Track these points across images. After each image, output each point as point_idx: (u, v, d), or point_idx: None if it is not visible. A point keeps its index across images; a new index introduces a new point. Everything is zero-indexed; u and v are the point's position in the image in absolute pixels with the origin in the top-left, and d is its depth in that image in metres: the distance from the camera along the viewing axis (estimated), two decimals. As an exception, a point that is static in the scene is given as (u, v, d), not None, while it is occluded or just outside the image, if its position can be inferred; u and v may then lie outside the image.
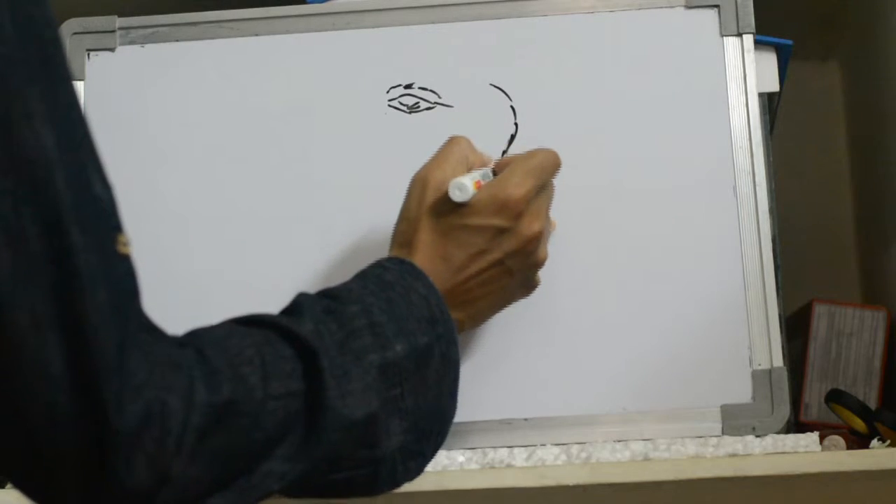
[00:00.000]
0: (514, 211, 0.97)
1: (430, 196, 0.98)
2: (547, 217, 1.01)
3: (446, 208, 0.97)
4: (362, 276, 0.92)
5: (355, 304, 0.86)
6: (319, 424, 0.79)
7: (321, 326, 0.83)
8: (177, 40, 1.16)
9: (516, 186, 0.98)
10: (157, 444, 0.70)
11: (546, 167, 1.01)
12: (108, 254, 0.70)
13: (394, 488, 0.88)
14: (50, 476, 0.69)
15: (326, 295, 0.88)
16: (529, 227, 0.98)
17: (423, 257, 0.96)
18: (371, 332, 0.85)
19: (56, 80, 0.70)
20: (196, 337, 0.77)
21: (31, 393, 0.67)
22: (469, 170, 1.00)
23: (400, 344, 0.86)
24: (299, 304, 0.85)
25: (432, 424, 0.89)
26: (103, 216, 0.71)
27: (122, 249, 0.71)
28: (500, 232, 0.97)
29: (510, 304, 1.03)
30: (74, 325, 0.67)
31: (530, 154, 1.01)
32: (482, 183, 0.99)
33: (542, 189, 1.00)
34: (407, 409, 0.86)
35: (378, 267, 0.93)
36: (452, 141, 1.02)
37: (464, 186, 0.97)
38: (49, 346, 0.67)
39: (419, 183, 1.00)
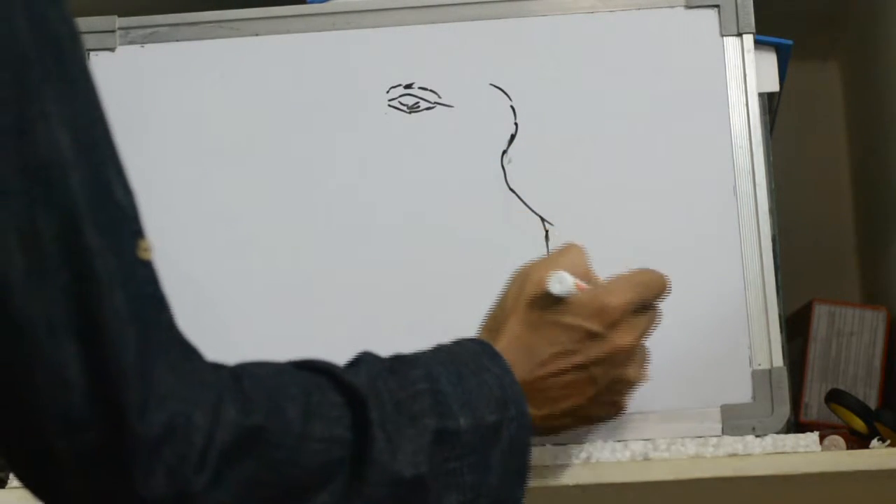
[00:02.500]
0: (610, 318, 0.94)
1: (530, 290, 0.95)
2: (642, 338, 0.97)
3: (542, 303, 0.94)
4: (437, 348, 0.89)
5: (420, 369, 0.84)
6: (363, 475, 0.76)
7: (378, 382, 0.80)
8: (177, 40, 1.16)
9: (616, 295, 0.94)
10: (178, 457, 0.68)
11: (651, 286, 0.97)
12: (127, 258, 0.69)
13: None
14: (67, 483, 0.68)
15: (393, 357, 0.85)
16: (621, 338, 0.94)
17: (507, 345, 0.93)
18: (433, 398, 0.83)
19: (73, 79, 0.69)
20: (239, 366, 0.75)
21: (47, 398, 0.66)
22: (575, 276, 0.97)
23: (463, 417, 0.83)
24: (360, 360, 0.83)
25: None
26: (123, 220, 0.70)
27: (143, 255, 0.70)
28: (590, 336, 0.93)
29: (593, 422, 0.99)
30: (90, 329, 0.66)
31: (639, 271, 0.98)
32: (584, 287, 0.96)
33: (645, 309, 0.97)
34: (465, 484, 0.83)
35: (455, 343, 0.91)
36: (569, 247, 0.99)
37: (564, 280, 0.94)
38: (64, 350, 0.66)
39: (521, 275, 0.97)
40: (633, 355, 0.96)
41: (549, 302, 0.94)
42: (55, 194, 0.66)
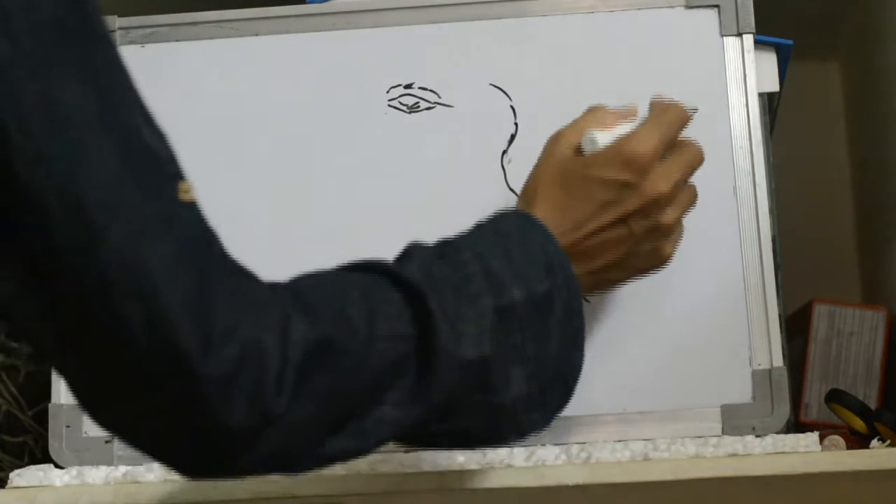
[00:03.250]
0: (639, 166, 0.93)
1: (559, 152, 0.96)
2: (679, 182, 0.96)
3: (572, 164, 0.95)
4: (478, 226, 0.90)
5: (469, 251, 0.85)
6: (431, 367, 0.77)
7: (433, 268, 0.81)
8: (177, 40, 1.16)
9: (641, 142, 0.94)
10: (256, 383, 0.69)
11: (672, 123, 0.97)
12: (168, 203, 0.70)
13: (519, 439, 0.86)
14: (156, 424, 0.70)
15: (440, 243, 0.86)
16: (654, 185, 0.93)
17: (544, 209, 0.93)
18: (486, 278, 0.83)
19: (94, 39, 0.70)
20: (295, 280, 0.77)
21: (116, 359, 0.68)
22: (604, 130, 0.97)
23: (517, 290, 0.84)
24: (409, 252, 0.84)
25: (557, 375, 0.87)
26: (158, 166, 0.71)
27: (184, 196, 0.71)
28: (624, 187, 0.93)
29: (638, 274, 0.98)
30: (141, 278, 0.67)
31: (658, 111, 0.97)
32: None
33: (673, 150, 0.96)
34: (528, 357, 0.84)
35: (495, 218, 0.91)
36: (592, 109, 0.99)
37: (594, 139, 0.95)
38: (120, 307, 0.67)
39: (551, 140, 0.97)
40: (669, 201, 0.95)
41: (578, 161, 0.94)
42: (88, 154, 0.67)
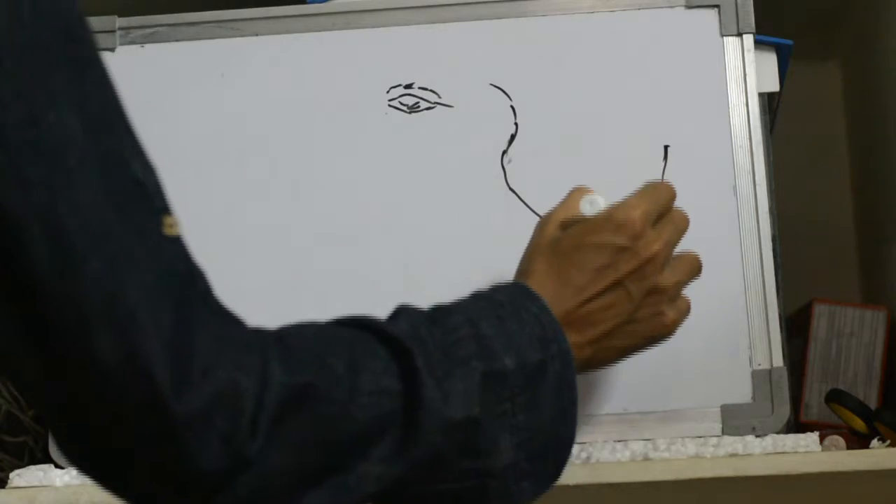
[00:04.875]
0: (632, 230, 0.94)
1: (549, 231, 0.96)
2: (672, 243, 0.97)
3: (563, 236, 0.95)
4: (474, 294, 0.89)
5: (461, 315, 0.84)
6: (417, 423, 0.76)
7: (422, 329, 0.80)
8: (177, 40, 1.16)
9: (631, 207, 0.95)
10: (230, 423, 0.68)
11: (661, 193, 0.98)
12: (152, 235, 0.69)
13: None
14: (123, 464, 0.69)
15: (433, 307, 0.85)
16: (647, 247, 0.94)
17: (540, 281, 0.93)
18: (477, 342, 0.82)
19: (84, 63, 0.69)
20: (281, 328, 0.76)
21: (88, 381, 0.67)
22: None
23: (509, 358, 0.83)
24: (399, 312, 0.83)
25: (547, 446, 0.85)
26: (144, 197, 0.70)
27: (169, 231, 0.70)
28: (619, 251, 0.93)
29: (643, 342, 0.97)
30: (119, 308, 0.66)
31: (644, 186, 0.98)
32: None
33: (663, 217, 0.97)
34: (517, 425, 0.83)
35: (491, 289, 0.90)
36: (577, 190, 1.00)
37: (595, 201, 0.96)
38: (95, 337, 0.66)
39: (541, 222, 0.98)
40: (665, 261, 0.96)
41: (569, 233, 0.95)
42: (73, 181, 0.66)
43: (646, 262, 0.94)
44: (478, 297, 0.88)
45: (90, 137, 0.67)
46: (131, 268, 0.67)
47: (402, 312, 0.83)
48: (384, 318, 0.83)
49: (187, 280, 0.71)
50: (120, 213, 0.67)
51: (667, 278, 0.96)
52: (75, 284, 0.66)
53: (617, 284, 0.93)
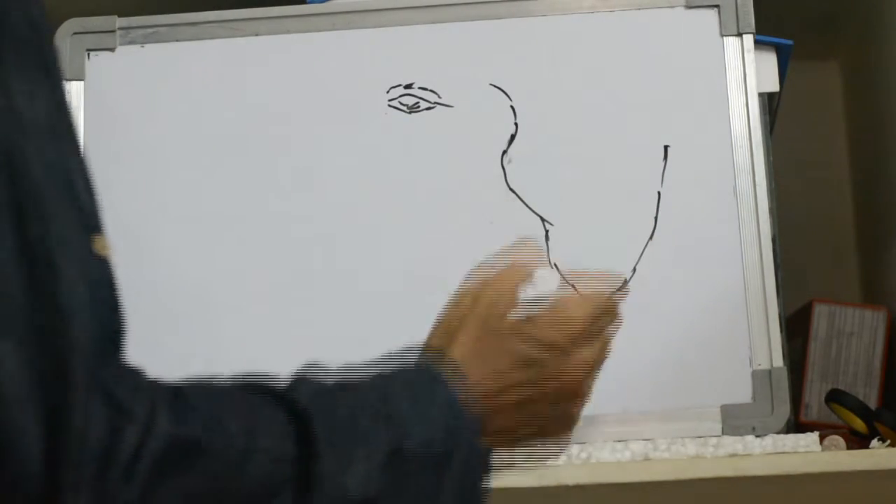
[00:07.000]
0: (574, 331, 0.90)
1: (485, 300, 0.91)
2: (601, 354, 0.92)
3: (502, 310, 0.90)
4: (387, 374, 0.86)
5: (372, 391, 0.82)
6: (310, 491, 0.74)
7: (325, 399, 0.79)
8: (177, 40, 1.16)
9: (580, 307, 0.90)
10: (102, 472, 0.67)
11: (607, 304, 0.92)
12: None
13: None
14: None
15: (341, 381, 0.83)
16: (583, 352, 0.90)
17: (463, 354, 0.89)
18: (385, 418, 0.80)
19: (35, 79, 0.68)
20: (180, 383, 0.74)
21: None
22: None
23: (415, 439, 0.81)
24: (303, 377, 0.81)
25: None
26: (80, 216, 0.69)
27: (100, 251, 0.69)
28: (552, 348, 0.89)
29: (545, 436, 0.93)
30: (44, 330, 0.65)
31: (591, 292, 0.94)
32: (566, 284, 0.92)
33: (601, 324, 0.92)
34: None
35: (405, 370, 0.87)
36: (521, 241, 0.95)
37: (546, 278, 0.91)
38: (7, 360, 0.64)
39: (476, 285, 0.93)
40: (595, 368, 0.92)
41: (511, 310, 0.90)
42: (17, 179, 0.66)
43: (578, 365, 0.90)
44: (390, 375, 0.86)
45: (37, 149, 0.67)
46: (62, 279, 0.66)
47: (306, 378, 0.81)
48: (290, 381, 0.81)
49: (77, 335, 0.68)
50: (60, 228, 0.66)
51: (588, 385, 0.92)
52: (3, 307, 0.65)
53: (539, 379, 0.90)
